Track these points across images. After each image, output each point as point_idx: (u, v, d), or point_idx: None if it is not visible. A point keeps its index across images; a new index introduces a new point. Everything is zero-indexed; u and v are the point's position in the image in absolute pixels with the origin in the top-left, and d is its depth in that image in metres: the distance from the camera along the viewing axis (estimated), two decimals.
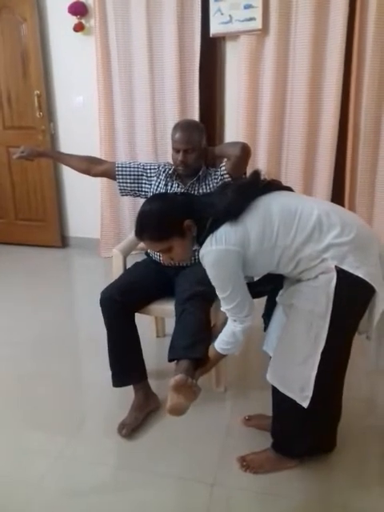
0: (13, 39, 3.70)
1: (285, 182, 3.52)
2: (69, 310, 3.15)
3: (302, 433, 1.64)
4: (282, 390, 1.58)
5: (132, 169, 2.22)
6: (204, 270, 2.06)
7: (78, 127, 3.82)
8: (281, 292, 1.69)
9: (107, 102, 3.58)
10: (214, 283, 1.54)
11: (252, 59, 3.25)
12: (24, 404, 2.16)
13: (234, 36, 3.28)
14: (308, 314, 1.48)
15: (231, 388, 2.22)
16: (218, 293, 1.57)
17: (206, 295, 1.88)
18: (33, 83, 3.75)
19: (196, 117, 3.44)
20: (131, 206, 3.77)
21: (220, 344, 1.67)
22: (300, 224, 1.46)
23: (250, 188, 1.56)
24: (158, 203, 1.61)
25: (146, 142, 3.61)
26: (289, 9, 3.13)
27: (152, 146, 3.61)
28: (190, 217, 1.54)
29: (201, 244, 1.54)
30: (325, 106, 3.26)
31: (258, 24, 3.14)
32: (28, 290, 3.39)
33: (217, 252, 1.48)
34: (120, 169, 2.22)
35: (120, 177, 2.22)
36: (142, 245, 2.41)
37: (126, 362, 1.99)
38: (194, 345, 1.73)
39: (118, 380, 1.99)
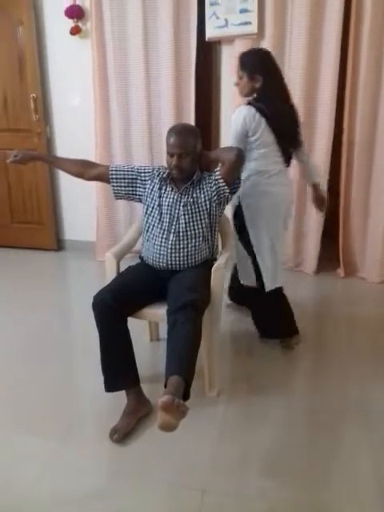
0: (9, 42, 3.70)
1: None
2: (63, 313, 3.14)
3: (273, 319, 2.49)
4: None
5: (126, 172, 2.21)
6: (197, 275, 2.08)
7: (74, 130, 3.82)
8: None
9: (103, 106, 3.59)
10: None
11: None
12: (15, 408, 2.14)
13: (230, 40, 3.29)
14: None
15: (224, 393, 2.21)
16: None
17: (198, 304, 1.88)
18: (29, 86, 3.75)
19: (191, 121, 3.44)
20: (127, 210, 3.77)
21: None
22: None
23: None
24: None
25: (142, 146, 3.62)
26: (284, 13, 3.14)
27: (147, 150, 3.61)
28: None
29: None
30: (319, 113, 3.27)
31: (253, 28, 3.15)
32: (22, 293, 3.37)
33: None
34: (114, 172, 2.21)
35: (114, 180, 2.22)
36: (136, 248, 2.43)
37: (117, 367, 1.98)
38: (183, 363, 1.72)
39: (110, 385, 1.98)
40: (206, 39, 3.30)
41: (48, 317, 3.00)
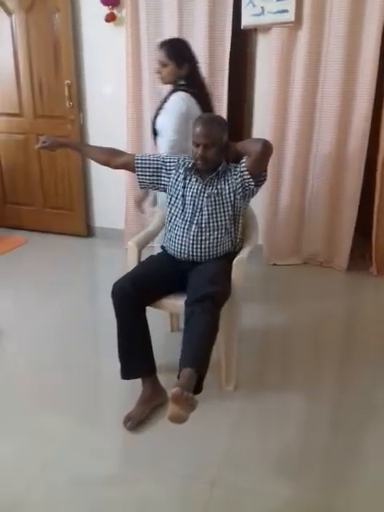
0: (45, 29, 3.73)
1: (312, 181, 3.48)
2: (89, 298, 3.18)
3: None
4: None
5: (151, 161, 2.21)
6: (217, 267, 2.06)
7: (107, 118, 3.83)
8: None
9: (135, 94, 3.58)
10: None
11: (283, 53, 3.18)
12: (37, 389, 2.20)
13: (266, 28, 3.21)
14: None
15: (241, 388, 2.19)
16: None
17: (216, 297, 1.86)
18: (64, 73, 3.78)
19: (224, 110, 3.39)
20: None
21: None
22: None
23: None
24: None
25: None
26: (323, 2, 3.03)
27: None
28: None
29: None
30: (357, 107, 3.16)
31: (290, 16, 3.06)
32: (50, 278, 3.43)
33: None
34: (139, 161, 2.21)
35: (139, 169, 2.21)
36: (158, 238, 2.43)
37: (134, 355, 1.99)
38: (197, 356, 1.72)
39: (126, 372, 2.00)
40: (242, 27, 3.23)
41: (75, 302, 3.05)
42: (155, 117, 2.56)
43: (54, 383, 2.22)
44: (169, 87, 2.56)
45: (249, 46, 3.36)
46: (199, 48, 3.30)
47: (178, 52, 2.44)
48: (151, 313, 2.05)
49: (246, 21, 3.20)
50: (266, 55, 3.28)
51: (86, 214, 4.19)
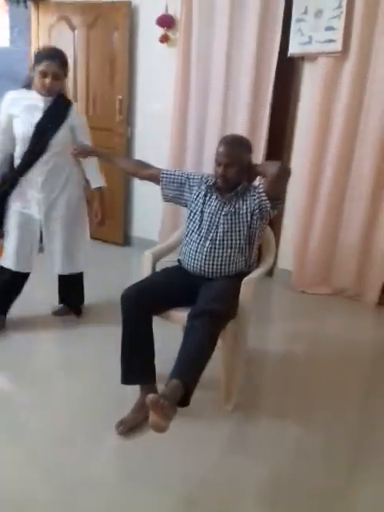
0: (104, 46, 3.94)
1: (347, 212, 3.41)
2: (113, 302, 3.25)
3: None
4: None
5: (176, 176, 2.28)
6: (226, 285, 2.07)
7: (153, 133, 3.98)
8: None
9: (181, 113, 3.70)
10: None
11: (328, 82, 3.18)
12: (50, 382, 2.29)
13: (313, 57, 3.23)
14: None
15: (240, 409, 2.17)
16: None
17: (217, 314, 1.88)
18: (117, 88, 3.97)
19: (264, 135, 3.44)
20: None
21: None
22: None
23: None
24: None
25: (213, 154, 3.65)
26: (371, 34, 3.02)
27: None
28: None
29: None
30: None
31: (337, 46, 3.06)
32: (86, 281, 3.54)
33: None
34: (165, 175, 2.28)
35: (163, 183, 2.29)
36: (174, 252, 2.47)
37: (134, 362, 2.02)
38: (186, 370, 1.74)
39: (126, 378, 2.03)
40: (288, 54, 3.28)
41: (102, 304, 3.14)
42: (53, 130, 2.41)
43: (76, 386, 2.29)
44: (46, 98, 2.41)
45: (294, 73, 3.39)
46: (245, 70, 3.39)
47: (67, 64, 2.42)
48: (166, 324, 2.09)
49: (294, 48, 3.24)
50: (310, 84, 3.30)
51: (125, 224, 4.33)
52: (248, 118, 3.46)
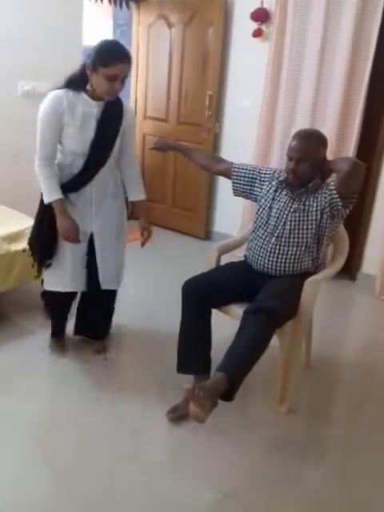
0: (199, 42, 3.99)
1: None
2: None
3: None
4: None
5: (247, 171, 2.26)
6: (288, 284, 2.02)
7: (241, 129, 3.95)
8: None
9: (269, 109, 3.63)
10: None
11: None
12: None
13: None
14: None
15: (294, 413, 2.10)
16: None
17: (273, 313, 1.83)
18: (208, 84, 4.00)
19: (355, 131, 3.27)
20: None
21: None
22: None
23: None
24: None
25: None
26: None
27: None
28: None
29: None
30: None
31: None
32: (160, 270, 3.65)
33: None
34: (236, 169, 2.27)
35: (235, 177, 2.28)
36: (242, 248, 2.44)
37: (190, 352, 2.04)
38: (233, 365, 1.72)
39: (181, 366, 2.06)
40: None
41: (169, 293, 3.18)
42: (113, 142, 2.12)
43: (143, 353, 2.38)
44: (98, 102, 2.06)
45: None
46: (340, 64, 3.25)
47: None
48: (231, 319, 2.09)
49: None
50: None
51: (207, 218, 4.37)
52: (339, 116, 3.32)
